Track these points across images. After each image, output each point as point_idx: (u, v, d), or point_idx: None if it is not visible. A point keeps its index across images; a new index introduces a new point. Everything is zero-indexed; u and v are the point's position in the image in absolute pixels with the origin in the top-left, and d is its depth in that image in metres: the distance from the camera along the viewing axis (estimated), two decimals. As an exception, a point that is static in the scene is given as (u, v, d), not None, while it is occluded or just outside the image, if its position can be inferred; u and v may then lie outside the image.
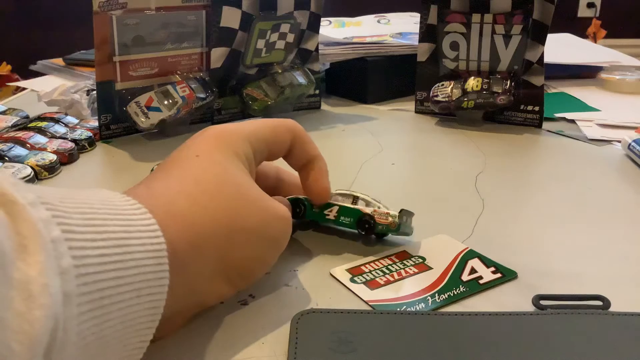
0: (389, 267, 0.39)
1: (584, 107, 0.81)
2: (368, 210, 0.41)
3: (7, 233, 0.22)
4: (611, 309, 0.34)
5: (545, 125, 0.72)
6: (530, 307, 0.35)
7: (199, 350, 0.31)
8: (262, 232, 0.33)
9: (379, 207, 0.41)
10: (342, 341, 0.30)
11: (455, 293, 0.36)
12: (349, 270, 0.39)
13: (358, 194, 0.42)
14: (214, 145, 0.34)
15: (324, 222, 0.43)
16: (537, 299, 0.35)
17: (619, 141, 0.65)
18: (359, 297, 0.36)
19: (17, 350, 0.20)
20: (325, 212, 0.42)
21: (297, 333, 0.31)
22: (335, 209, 0.41)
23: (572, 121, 0.75)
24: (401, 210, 0.41)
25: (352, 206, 0.41)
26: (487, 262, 0.40)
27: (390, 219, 0.40)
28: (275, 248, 0.35)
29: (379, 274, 0.38)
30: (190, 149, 0.34)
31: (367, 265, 0.39)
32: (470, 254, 0.41)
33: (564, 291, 0.36)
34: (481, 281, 0.37)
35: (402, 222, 0.41)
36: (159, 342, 0.30)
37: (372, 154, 0.63)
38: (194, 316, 0.33)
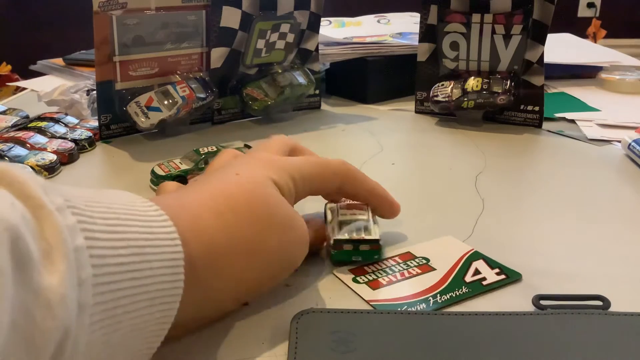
0: (392, 267, 0.39)
1: (584, 107, 0.81)
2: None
3: (34, 237, 0.22)
4: (611, 309, 0.34)
5: (545, 125, 0.72)
6: (530, 307, 0.35)
7: (198, 349, 0.31)
8: (281, 254, 0.34)
9: (331, 232, 0.40)
10: (342, 341, 0.30)
11: (458, 294, 0.36)
12: (351, 271, 0.39)
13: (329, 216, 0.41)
14: (256, 168, 0.35)
15: None
16: (537, 299, 0.35)
17: (619, 141, 0.65)
18: (360, 296, 0.36)
19: (23, 359, 0.21)
20: None
21: (297, 333, 0.31)
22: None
23: (572, 121, 0.75)
24: (349, 240, 0.39)
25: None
26: (491, 264, 0.39)
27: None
28: (290, 268, 0.36)
29: (381, 275, 0.38)
30: (234, 167, 0.35)
31: (370, 266, 0.39)
32: (475, 256, 0.41)
33: (564, 291, 0.36)
34: (484, 282, 0.37)
35: (337, 251, 0.39)
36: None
37: (372, 154, 0.63)
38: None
